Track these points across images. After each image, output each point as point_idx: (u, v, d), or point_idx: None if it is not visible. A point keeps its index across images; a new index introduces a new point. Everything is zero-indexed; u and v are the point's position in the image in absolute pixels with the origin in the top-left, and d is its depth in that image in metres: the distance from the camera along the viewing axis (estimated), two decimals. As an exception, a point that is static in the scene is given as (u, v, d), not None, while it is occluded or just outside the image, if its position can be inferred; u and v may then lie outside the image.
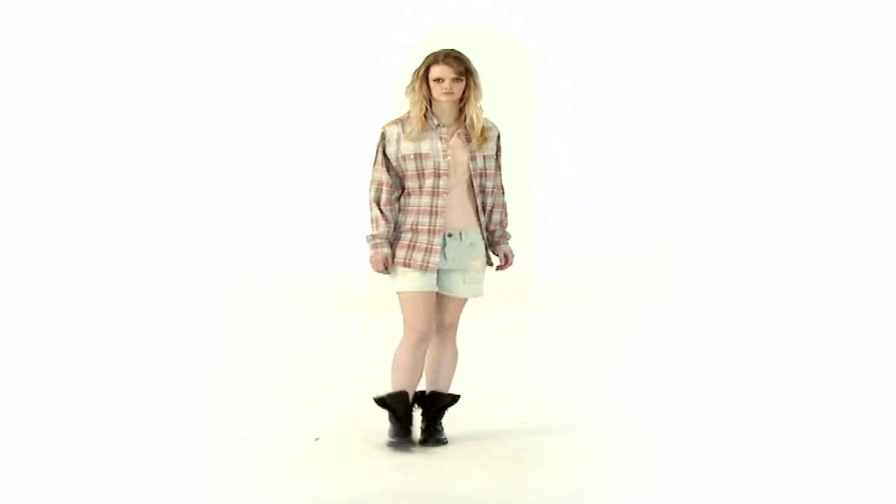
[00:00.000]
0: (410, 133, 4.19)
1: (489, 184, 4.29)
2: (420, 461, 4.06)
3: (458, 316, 4.34)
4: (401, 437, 4.19)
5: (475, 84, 4.20)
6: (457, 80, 4.15)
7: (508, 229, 4.41)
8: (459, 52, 4.22)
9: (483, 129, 4.24)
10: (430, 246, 4.20)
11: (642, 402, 5.08)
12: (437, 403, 4.31)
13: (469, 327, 4.57)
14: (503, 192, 4.37)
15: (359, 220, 11.14)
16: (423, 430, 4.29)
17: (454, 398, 4.34)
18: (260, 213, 9.45)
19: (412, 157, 4.19)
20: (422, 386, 4.36)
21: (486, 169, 4.27)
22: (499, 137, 4.33)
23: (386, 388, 4.25)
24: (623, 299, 8.42)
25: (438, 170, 4.19)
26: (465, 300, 4.32)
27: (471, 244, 4.26)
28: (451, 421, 4.37)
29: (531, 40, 9.81)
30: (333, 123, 10.00)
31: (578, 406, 4.10)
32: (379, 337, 8.88)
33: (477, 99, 4.22)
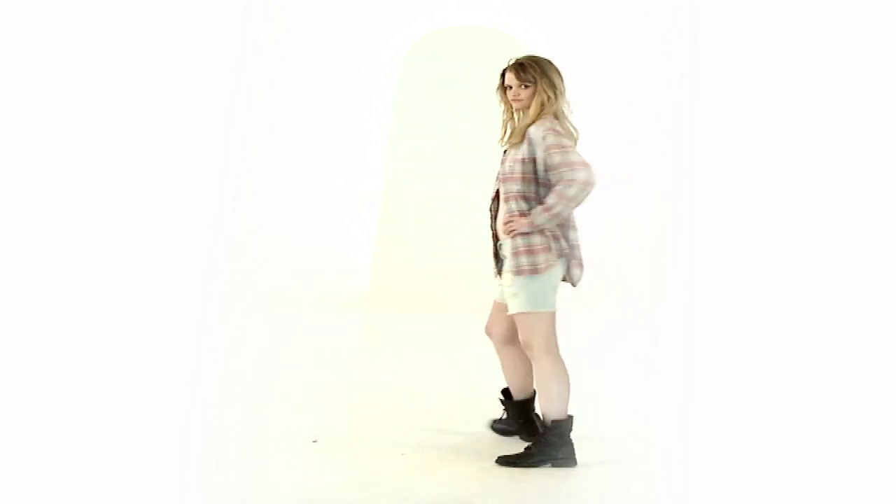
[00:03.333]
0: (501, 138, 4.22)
1: (514, 188, 4.03)
2: (419, 462, 4.06)
3: (524, 333, 4.04)
4: (503, 423, 4.34)
5: (542, 90, 4.05)
6: (523, 87, 4.07)
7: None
8: (527, 60, 4.10)
9: (526, 131, 4.04)
10: (494, 250, 4.18)
11: (641, 403, 5.08)
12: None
13: (469, 328, 4.57)
14: (559, 181, 3.95)
15: (359, 220, 11.10)
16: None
17: (565, 423, 4.07)
18: (260, 213, 9.47)
19: None
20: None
21: (511, 173, 4.05)
22: (543, 137, 3.97)
23: (384, 389, 4.26)
24: (619, 297, 8.43)
25: (498, 174, 4.15)
26: (524, 315, 4.02)
27: (506, 256, 4.09)
28: (450, 422, 4.37)
29: (529, 40, 9.82)
30: (334, 124, 10.01)
31: (577, 406, 4.10)
32: (379, 337, 8.89)
33: (539, 106, 4.05)
